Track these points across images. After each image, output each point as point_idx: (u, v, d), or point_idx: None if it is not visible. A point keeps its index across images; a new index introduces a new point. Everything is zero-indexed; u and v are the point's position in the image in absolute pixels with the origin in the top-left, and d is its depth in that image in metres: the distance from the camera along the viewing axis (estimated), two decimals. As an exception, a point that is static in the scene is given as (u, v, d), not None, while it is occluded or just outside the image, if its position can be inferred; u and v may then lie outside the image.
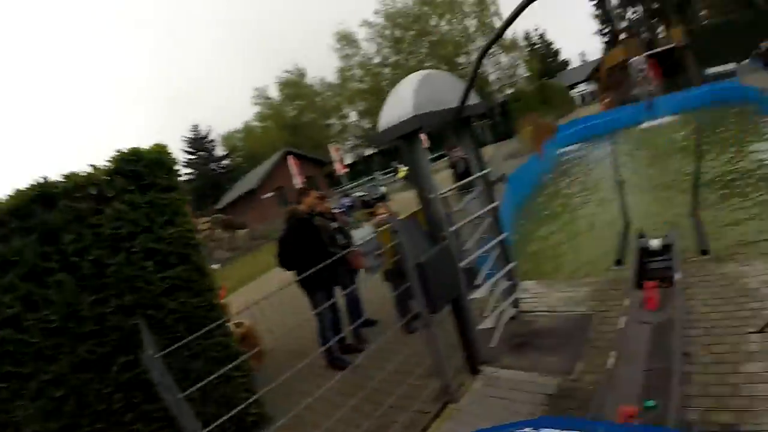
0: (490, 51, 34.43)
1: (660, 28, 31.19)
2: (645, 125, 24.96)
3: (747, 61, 24.81)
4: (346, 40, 43.35)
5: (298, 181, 28.96)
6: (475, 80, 5.07)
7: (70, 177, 4.25)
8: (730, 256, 6.80)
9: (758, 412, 3.38)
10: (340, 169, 32.44)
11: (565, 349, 5.01)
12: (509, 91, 38.81)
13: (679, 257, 5.91)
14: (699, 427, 3.39)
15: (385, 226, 4.64)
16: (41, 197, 4.09)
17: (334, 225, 6.55)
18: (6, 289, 3.87)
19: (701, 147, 15.87)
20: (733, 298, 4.99)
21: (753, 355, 3.98)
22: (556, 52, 72.40)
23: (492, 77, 39.39)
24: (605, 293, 6.07)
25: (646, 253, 6.18)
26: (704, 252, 7.01)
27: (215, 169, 54.76)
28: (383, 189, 19.88)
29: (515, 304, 6.07)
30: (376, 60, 43.23)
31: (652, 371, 3.85)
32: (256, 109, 51.64)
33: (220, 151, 60.21)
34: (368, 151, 46.49)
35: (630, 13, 50.91)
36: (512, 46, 39.64)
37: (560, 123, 29.59)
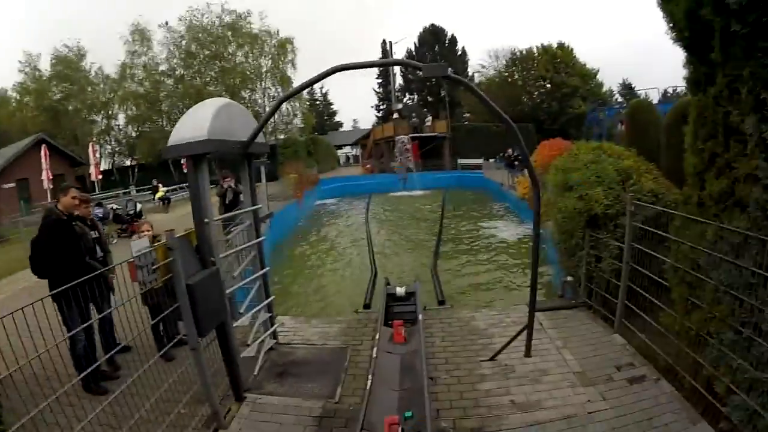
0: (273, 95, 35.04)
1: (428, 118, 36.41)
2: (398, 193, 28.28)
3: (492, 160, 30.29)
4: (140, 35, 39.06)
5: (45, 177, 25.03)
6: (267, 122, 5.24)
7: None
8: (463, 305, 7.99)
9: (497, 416, 4.28)
10: (95, 174, 28.91)
11: (325, 376, 5.28)
12: (282, 136, 39.64)
13: (420, 303, 6.85)
14: (451, 430, 3.94)
15: (161, 242, 4.29)
16: None
17: (94, 234, 5.82)
18: None
19: (444, 217, 18.90)
20: (466, 336, 6.07)
21: (486, 376, 5.01)
22: (333, 113, 77.45)
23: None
24: (356, 330, 6.67)
25: (392, 298, 7.14)
26: (441, 302, 8.25)
27: None
28: (139, 206, 18.20)
29: (274, 335, 6.15)
30: (162, 67, 40.20)
31: (405, 390, 4.36)
32: (20, 77, 42.40)
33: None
34: (127, 162, 41.60)
35: (407, 98, 58.89)
36: (297, 96, 40.98)
37: (323, 177, 31.41)
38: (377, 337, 5.92)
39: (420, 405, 4.17)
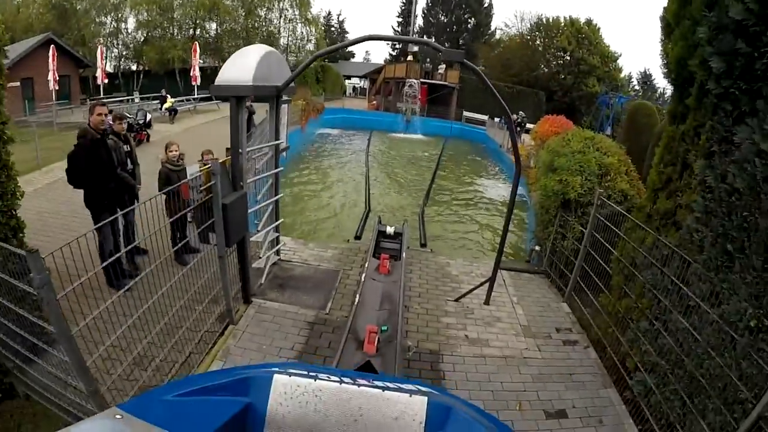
0: (290, 17, 34.23)
1: (441, 65, 36.17)
2: (399, 135, 28.69)
3: (497, 119, 30.65)
4: None
5: (51, 78, 24.84)
6: (298, 75, 5.96)
7: None
8: (440, 251, 9.00)
9: (452, 345, 5.37)
10: (101, 77, 28.81)
11: (318, 291, 6.32)
12: (293, 58, 39.02)
13: (406, 243, 7.83)
14: (414, 349, 4.99)
15: (207, 166, 5.08)
16: None
17: (126, 148, 6.57)
18: None
19: (439, 163, 19.72)
20: (439, 278, 7.14)
21: (449, 313, 6.09)
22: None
23: (282, 40, 39.06)
24: (348, 257, 7.68)
25: (382, 234, 8.05)
26: (423, 245, 9.23)
27: None
28: (149, 116, 18.62)
29: (277, 252, 7.10)
30: None
31: (384, 311, 5.38)
32: None
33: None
34: (133, 67, 40.52)
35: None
36: (314, 21, 40.12)
37: (328, 106, 31.66)
38: (366, 265, 6.90)
39: (394, 324, 5.20)
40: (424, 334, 5.53)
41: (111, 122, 6.80)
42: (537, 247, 8.33)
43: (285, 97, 6.55)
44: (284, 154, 9.78)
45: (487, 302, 6.24)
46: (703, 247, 4.04)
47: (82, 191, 5.81)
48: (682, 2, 5.02)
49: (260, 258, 6.36)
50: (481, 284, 6.29)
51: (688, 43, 4.68)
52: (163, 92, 25.58)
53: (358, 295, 5.87)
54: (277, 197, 6.78)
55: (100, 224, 4.48)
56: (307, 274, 6.90)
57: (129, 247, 5.96)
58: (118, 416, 1.35)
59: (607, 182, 7.39)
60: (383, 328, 4.90)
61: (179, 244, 5.17)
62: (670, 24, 5.28)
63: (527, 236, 11.17)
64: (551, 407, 4.57)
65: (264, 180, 6.59)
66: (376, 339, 4.54)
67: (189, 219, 6.45)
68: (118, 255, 4.49)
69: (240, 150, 5.43)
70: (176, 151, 7.01)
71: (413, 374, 4.72)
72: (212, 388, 1.71)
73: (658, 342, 4.43)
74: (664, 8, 5.52)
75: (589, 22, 42.85)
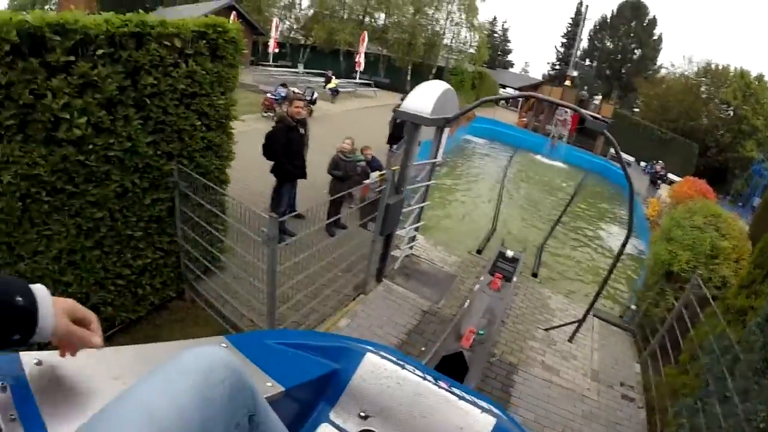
0: (456, 20, 35.18)
1: (597, 97, 35.65)
2: (542, 158, 29.06)
3: (644, 164, 29.96)
4: None
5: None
6: (462, 115, 7.36)
7: (163, 23, 4.61)
8: (546, 284, 10.05)
9: (528, 364, 6.61)
10: (273, 46, 32.32)
11: (436, 288, 7.83)
12: (453, 59, 40.30)
13: (519, 269, 8.98)
14: (498, 357, 6.29)
15: (383, 174, 6.72)
16: (135, 35, 4.35)
17: (302, 131, 8.09)
18: (81, 111, 4.04)
19: (574, 198, 20.18)
20: (538, 307, 8.32)
21: (535, 338, 7.34)
22: (508, 51, 75.74)
23: (445, 40, 40.44)
24: (467, 267, 9.12)
25: (501, 256, 9.20)
26: (534, 275, 10.32)
27: None
28: (316, 94, 21.01)
29: (411, 248, 8.63)
30: None
31: (484, 320, 6.68)
32: None
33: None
34: (302, 41, 43.84)
35: (587, 63, 56.88)
36: (478, 28, 41.01)
37: (479, 115, 32.62)
38: (481, 279, 8.23)
39: (489, 332, 6.50)
40: (509, 348, 6.81)
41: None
42: (634, 306, 9.11)
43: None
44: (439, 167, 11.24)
45: (570, 340, 7.32)
46: (753, 349, 4.86)
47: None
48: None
49: (398, 248, 7.95)
50: (571, 323, 7.37)
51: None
52: (330, 73, 27.94)
53: (468, 301, 7.24)
54: (424, 204, 8.33)
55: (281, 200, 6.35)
56: (431, 271, 8.42)
57: (293, 213, 7.76)
58: (223, 344, 1.52)
59: (714, 265, 7.99)
60: (480, 331, 6.21)
61: (331, 219, 6.88)
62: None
63: (631, 293, 11.73)
64: (591, 437, 5.65)
65: (417, 188, 8.15)
66: (472, 338, 5.89)
67: (350, 205, 8.28)
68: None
69: (408, 163, 6.96)
70: (349, 145, 8.73)
71: (490, 374, 6.05)
72: (309, 347, 1.88)
73: (694, 420, 5.29)
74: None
75: (760, 77, 39.10)
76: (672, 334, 6.88)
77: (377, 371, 1.82)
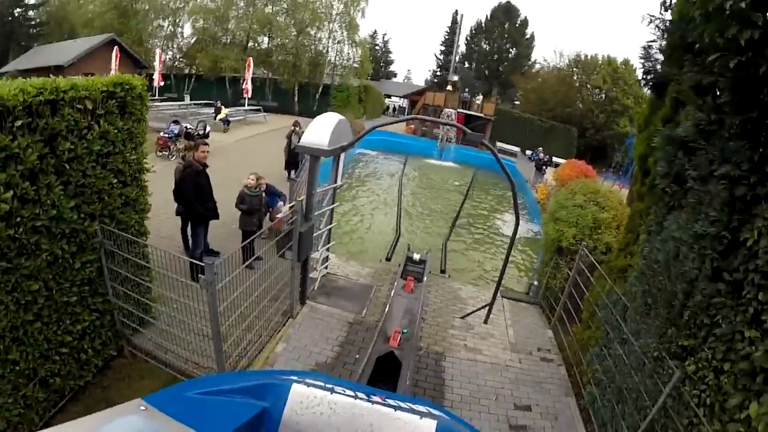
0: (339, 38, 36.01)
1: (479, 97, 38.09)
2: (433, 161, 30.51)
3: (529, 152, 32.29)
4: None
5: None
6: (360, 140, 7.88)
7: (75, 87, 4.59)
8: (455, 278, 10.79)
9: (453, 349, 7.19)
10: (158, 80, 31.31)
11: (356, 300, 8.18)
12: (338, 77, 40.91)
13: (428, 269, 9.61)
14: (425, 349, 6.81)
15: (293, 205, 7.01)
16: (50, 102, 4.34)
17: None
18: (6, 185, 3.98)
19: (469, 194, 21.43)
20: (451, 299, 8.95)
21: (454, 326, 7.95)
22: (390, 62, 78.44)
23: (329, 58, 40.96)
24: (380, 275, 9.59)
25: (410, 260, 9.80)
26: (442, 271, 11.01)
27: (18, 15, 45.43)
28: (208, 128, 20.71)
29: (326, 267, 8.97)
30: None
31: (406, 319, 7.17)
32: None
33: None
34: (186, 70, 42.36)
35: (466, 66, 60.36)
36: (360, 44, 42.00)
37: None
38: (395, 284, 8.74)
39: (413, 329, 6.99)
40: (433, 339, 7.37)
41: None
42: (536, 282, 10.05)
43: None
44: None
45: (485, 322, 8.00)
46: (635, 298, 5.74)
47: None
48: (651, 112, 6.77)
49: (315, 270, 8.26)
50: (482, 307, 8.07)
51: (649, 144, 6.41)
52: (218, 103, 27.61)
53: (387, 306, 7.71)
54: (331, 225, 8.71)
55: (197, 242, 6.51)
56: (348, 285, 8.79)
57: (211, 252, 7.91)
58: (142, 407, 1.46)
59: (597, 235, 9.07)
60: (404, 330, 6.69)
61: (248, 254, 7.10)
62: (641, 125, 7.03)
63: (533, 271, 12.85)
64: (520, 402, 6.30)
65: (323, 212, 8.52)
66: (399, 337, 6.33)
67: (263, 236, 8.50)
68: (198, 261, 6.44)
69: (313, 192, 7.31)
70: (254, 181, 8.94)
71: (422, 365, 6.54)
72: (232, 390, 1.82)
73: (603, 364, 6.12)
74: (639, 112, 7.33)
75: (626, 62, 44.05)
76: (572, 299, 7.78)
77: (307, 401, 1.81)
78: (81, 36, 41.02)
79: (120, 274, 5.58)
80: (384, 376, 5.83)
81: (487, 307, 7.93)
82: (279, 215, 9.14)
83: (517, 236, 15.56)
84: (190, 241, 8.21)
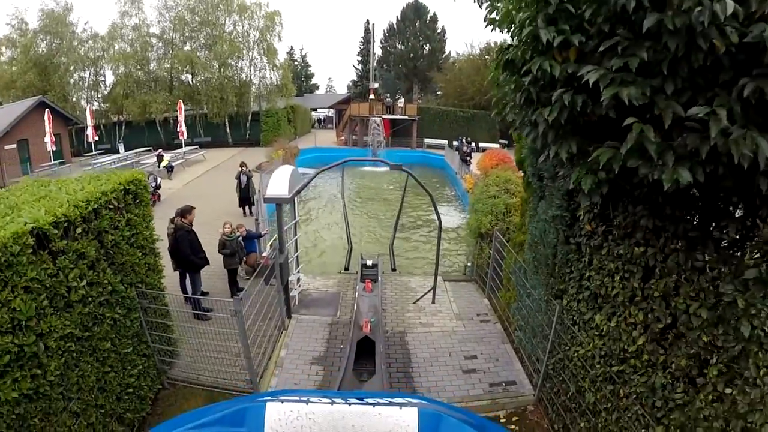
0: (258, 65, 37.51)
1: (401, 100, 40.64)
2: (368, 168, 32.73)
3: (455, 142, 34.94)
4: None
5: (49, 140, 28.16)
6: (305, 187, 9.99)
7: (107, 194, 6.48)
8: (405, 273, 13.04)
9: (411, 327, 9.47)
10: (92, 135, 31.95)
11: (329, 306, 10.30)
12: (264, 103, 42.25)
13: (380, 271, 11.79)
14: (390, 331, 9.03)
15: (273, 240, 9.10)
16: (95, 210, 6.03)
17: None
18: (80, 276, 5.61)
19: (404, 197, 23.74)
20: (403, 290, 11.21)
21: (410, 310, 10.23)
22: (311, 75, 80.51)
23: (253, 88, 42.22)
24: (343, 283, 11.74)
25: (365, 266, 11.91)
26: (393, 269, 13.26)
27: None
28: (160, 180, 21.93)
29: (300, 286, 11.04)
30: (153, 29, 41.32)
31: (371, 312, 9.34)
32: (6, 30, 42.52)
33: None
34: (114, 119, 41.31)
35: (384, 68, 62.99)
36: (281, 67, 43.55)
37: (301, 145, 35.55)
38: (357, 287, 10.88)
39: (378, 318, 9.18)
40: (395, 322, 9.64)
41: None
42: (469, 263, 12.48)
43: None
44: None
45: (433, 302, 10.31)
46: (530, 263, 8.16)
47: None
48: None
49: (293, 290, 10.33)
50: (427, 292, 10.38)
51: (524, 149, 8.86)
52: (160, 151, 28.05)
53: (355, 305, 9.88)
54: (297, 253, 10.80)
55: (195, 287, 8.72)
56: (320, 296, 10.89)
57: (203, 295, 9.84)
58: None
59: (509, 218, 11.55)
60: (372, 320, 8.83)
61: (236, 291, 9.15)
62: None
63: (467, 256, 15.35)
64: (468, 354, 8.60)
65: (290, 238, 10.60)
66: (369, 325, 8.50)
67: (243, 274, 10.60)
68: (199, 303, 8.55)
69: (282, 231, 9.36)
70: (230, 228, 10.85)
71: (390, 343, 8.76)
72: (208, 423, 1.87)
73: (521, 314, 8.52)
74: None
75: None
76: (496, 272, 10.17)
77: (285, 416, 1.85)
78: (3, 98, 40.95)
79: (152, 323, 7.43)
80: (365, 354, 7.99)
81: (431, 291, 10.23)
82: (265, 254, 11.22)
83: (455, 225, 18.04)
84: (188, 287, 10.07)
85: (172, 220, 9.87)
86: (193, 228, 9.89)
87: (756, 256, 3.85)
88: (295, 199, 10.06)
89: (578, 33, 3.47)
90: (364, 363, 7.85)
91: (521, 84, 4.33)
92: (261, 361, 8.06)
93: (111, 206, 6.54)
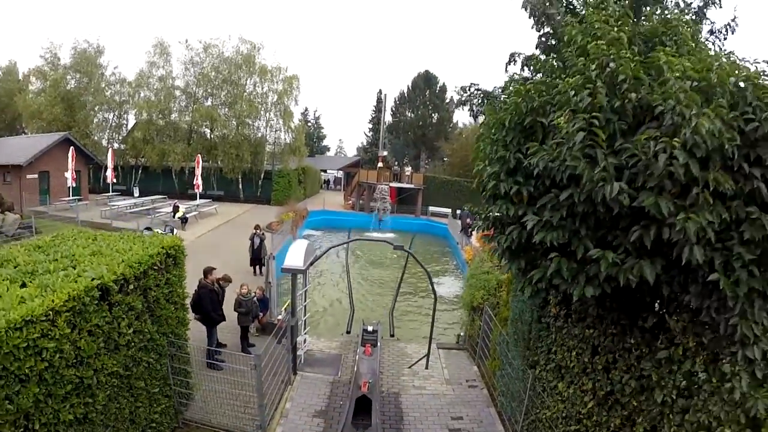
0: (275, 126, 39.91)
1: (408, 169, 42.73)
2: (373, 234, 34.19)
3: (459, 210, 36.37)
4: (160, 49, 43.02)
5: (70, 176, 29.94)
6: (317, 260, 11.40)
7: (153, 257, 7.77)
8: (403, 339, 14.21)
9: (405, 389, 10.66)
10: (111, 177, 33.85)
11: (331, 366, 11.46)
12: (277, 164, 44.20)
13: (380, 336, 12.97)
14: (386, 392, 10.17)
15: (287, 304, 10.44)
16: (144, 270, 7.45)
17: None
18: (129, 324, 7.01)
19: (407, 265, 24.94)
20: (400, 356, 12.42)
21: (404, 374, 11.41)
22: (323, 137, 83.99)
23: (268, 147, 44.16)
24: (345, 346, 12.92)
25: (365, 331, 13.08)
26: (392, 335, 14.42)
27: None
28: (176, 231, 23.30)
29: (306, 345, 12.23)
30: (178, 82, 44.20)
31: (369, 374, 10.47)
32: (39, 62, 44.81)
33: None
34: (132, 162, 43.76)
35: (393, 136, 65.86)
36: (296, 129, 45.57)
37: (310, 207, 37.21)
38: (358, 350, 12.03)
39: (376, 380, 10.29)
40: (391, 384, 10.78)
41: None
42: (461, 333, 13.66)
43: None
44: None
45: (426, 367, 11.45)
46: (511, 336, 9.38)
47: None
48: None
49: (300, 349, 11.53)
50: (423, 357, 11.54)
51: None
52: (176, 202, 29.40)
53: (355, 366, 11.03)
54: (306, 316, 12.06)
55: (211, 340, 10.02)
56: (324, 357, 12.07)
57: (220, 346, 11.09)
58: None
59: (500, 292, 12.79)
60: (370, 380, 9.94)
61: (247, 345, 10.41)
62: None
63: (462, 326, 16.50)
64: (455, 415, 9.70)
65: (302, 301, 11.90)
66: (368, 385, 9.64)
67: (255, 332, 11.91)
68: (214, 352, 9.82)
69: (295, 296, 10.69)
70: (246, 289, 12.19)
71: (385, 402, 9.87)
72: None
73: (504, 381, 9.66)
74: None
75: None
76: (485, 342, 11.35)
77: None
78: (28, 126, 43.61)
79: (175, 368, 8.65)
80: (362, 411, 9.11)
81: (425, 357, 11.40)
82: (280, 317, 12.57)
83: (452, 295, 19.24)
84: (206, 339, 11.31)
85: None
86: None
87: (665, 343, 5.16)
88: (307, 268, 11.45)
89: (530, 181, 5.03)
90: (362, 418, 8.95)
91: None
92: (269, 411, 9.17)
93: (156, 267, 7.95)
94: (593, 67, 4.75)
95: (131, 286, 7.18)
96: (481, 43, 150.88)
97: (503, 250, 5.77)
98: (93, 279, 6.40)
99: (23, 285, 6.12)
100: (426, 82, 67.19)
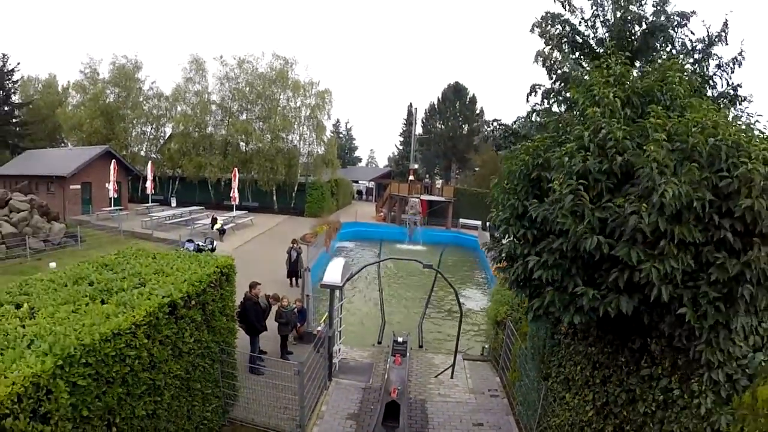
0: (308, 140, 41.50)
1: (439, 181, 43.78)
2: (404, 245, 35.27)
3: (488, 223, 37.03)
4: (196, 65, 45.23)
5: (111, 188, 32.04)
6: (353, 276, 12.55)
7: (210, 275, 9.28)
8: (431, 350, 15.25)
9: (431, 396, 11.73)
10: (150, 188, 35.91)
11: (363, 374, 12.59)
12: (311, 176, 45.65)
13: (409, 347, 14.03)
14: (413, 398, 11.26)
15: (324, 317, 11.65)
16: (203, 289, 8.66)
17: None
18: (190, 335, 8.21)
19: (436, 279, 25.77)
20: (428, 366, 13.45)
21: (431, 382, 12.44)
22: (355, 148, 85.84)
23: (302, 159, 45.80)
24: (376, 355, 14.03)
25: (395, 342, 14.14)
26: (420, 346, 15.48)
27: (5, 114, 49.95)
28: (216, 242, 24.70)
29: (341, 354, 13.39)
30: (213, 97, 46.16)
31: (398, 381, 11.54)
32: (78, 76, 47.62)
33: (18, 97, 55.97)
34: (169, 173, 46.25)
35: (424, 148, 67.05)
36: (328, 143, 47.24)
37: (343, 218, 38.49)
38: (388, 360, 13.10)
39: (404, 387, 11.29)
40: (418, 392, 11.83)
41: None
42: (486, 345, 14.63)
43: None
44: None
45: (452, 377, 12.45)
46: (529, 350, 10.35)
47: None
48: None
49: (334, 358, 12.71)
50: (449, 368, 12.55)
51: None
52: (213, 215, 30.92)
53: (386, 375, 12.12)
54: (341, 327, 13.23)
55: (253, 346, 11.38)
56: (357, 365, 13.21)
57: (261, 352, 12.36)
58: None
59: (522, 307, 13.72)
60: (399, 387, 10.97)
61: (286, 353, 11.67)
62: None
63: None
64: (477, 422, 10.67)
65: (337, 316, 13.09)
66: (397, 392, 10.71)
67: (293, 341, 13.19)
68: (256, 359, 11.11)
69: (333, 311, 11.89)
70: (287, 301, 13.45)
71: (412, 408, 10.93)
72: None
73: (522, 391, 10.62)
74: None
75: None
76: (507, 354, 12.31)
77: None
78: (68, 138, 46.22)
79: (224, 372, 9.88)
80: (391, 415, 10.20)
81: (451, 368, 12.43)
82: (319, 328, 13.74)
83: (479, 308, 20.15)
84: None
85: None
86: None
87: (648, 362, 6.15)
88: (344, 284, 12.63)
89: (534, 224, 6.12)
90: (390, 421, 10.04)
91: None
92: (307, 413, 10.35)
93: (213, 285, 9.22)
94: (587, 134, 5.82)
95: (193, 302, 8.42)
96: (509, 52, 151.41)
97: (510, 282, 6.85)
98: (164, 297, 7.65)
99: (103, 302, 7.35)
100: (456, 93, 68.27)
